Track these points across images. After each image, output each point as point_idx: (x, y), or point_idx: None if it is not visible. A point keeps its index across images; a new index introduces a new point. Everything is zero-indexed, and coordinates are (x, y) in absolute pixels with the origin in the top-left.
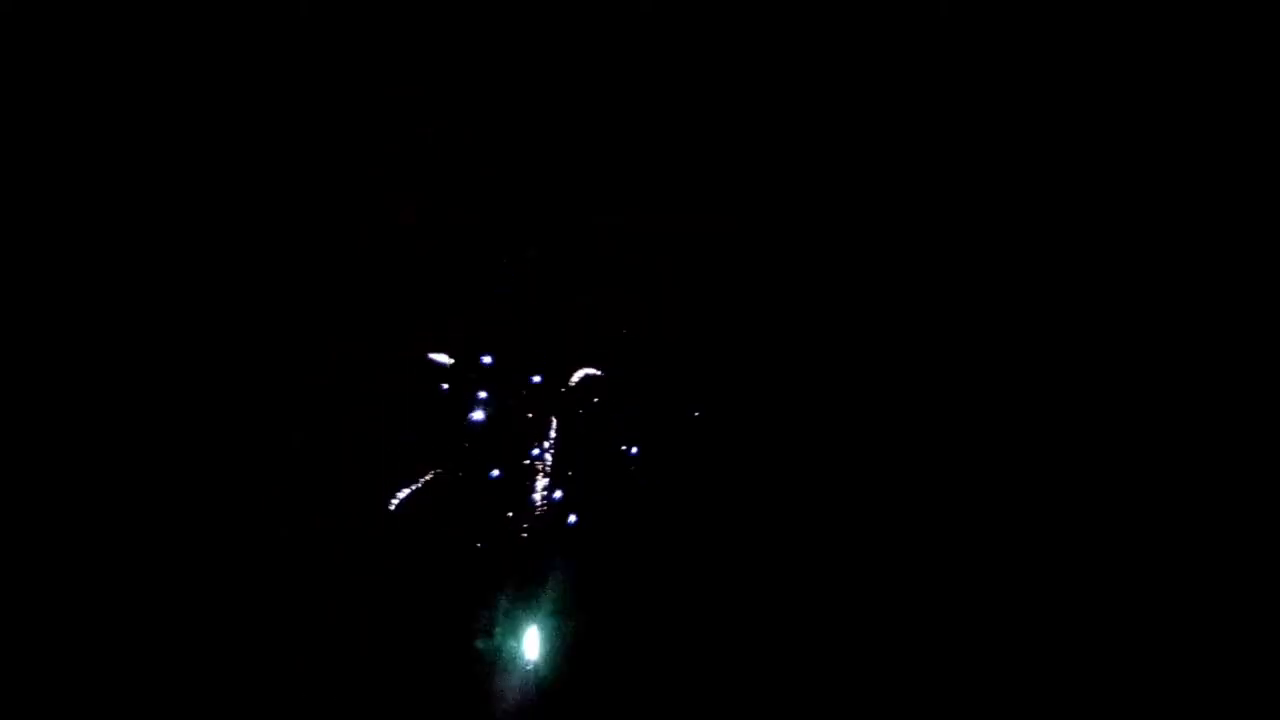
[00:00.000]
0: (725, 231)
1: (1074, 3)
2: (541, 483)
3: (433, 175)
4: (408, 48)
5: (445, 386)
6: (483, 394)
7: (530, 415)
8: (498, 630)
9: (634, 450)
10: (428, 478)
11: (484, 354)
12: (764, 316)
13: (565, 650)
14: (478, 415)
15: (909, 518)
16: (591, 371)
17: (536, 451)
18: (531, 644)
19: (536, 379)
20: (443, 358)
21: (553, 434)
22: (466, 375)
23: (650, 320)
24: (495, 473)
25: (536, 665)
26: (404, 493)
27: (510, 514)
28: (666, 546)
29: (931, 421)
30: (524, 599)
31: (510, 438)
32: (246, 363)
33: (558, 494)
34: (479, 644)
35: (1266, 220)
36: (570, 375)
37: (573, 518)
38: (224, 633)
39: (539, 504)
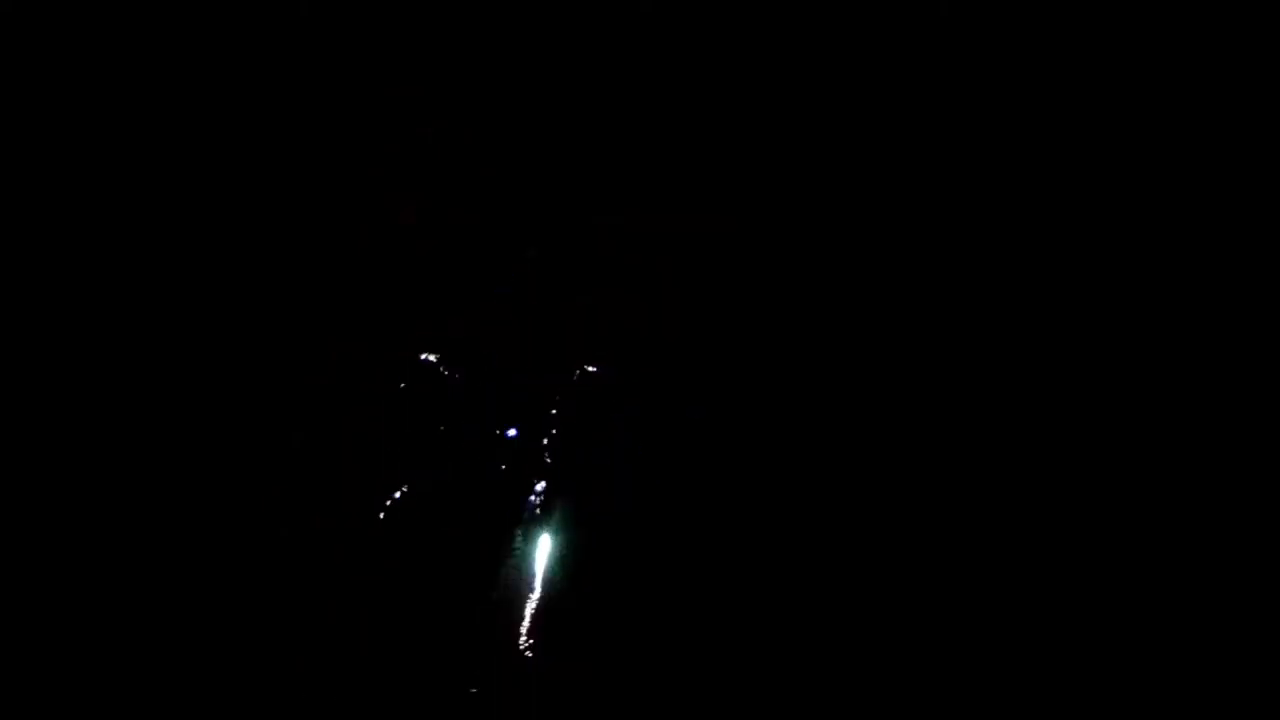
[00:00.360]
0: (725, 231)
1: (1074, 3)
2: (541, 483)
3: (433, 175)
4: (408, 48)
5: (445, 386)
6: (483, 394)
7: (530, 415)
8: (497, 629)
9: (634, 450)
10: (427, 478)
11: (484, 354)
12: (764, 316)
13: (563, 649)
14: (478, 415)
15: (908, 517)
16: (591, 371)
17: (536, 451)
18: (530, 643)
19: (537, 379)
20: (443, 357)
21: (553, 434)
22: (466, 375)
23: (650, 320)
24: (495, 473)
25: (535, 663)
26: (404, 493)
27: (509, 514)
28: (666, 546)
29: (931, 421)
30: (522, 598)
31: (510, 438)
32: (247, 363)
33: (557, 494)
34: (478, 643)
35: (1266, 220)
36: (570, 375)
37: (572, 518)
38: (224, 632)
39: (538, 504)
